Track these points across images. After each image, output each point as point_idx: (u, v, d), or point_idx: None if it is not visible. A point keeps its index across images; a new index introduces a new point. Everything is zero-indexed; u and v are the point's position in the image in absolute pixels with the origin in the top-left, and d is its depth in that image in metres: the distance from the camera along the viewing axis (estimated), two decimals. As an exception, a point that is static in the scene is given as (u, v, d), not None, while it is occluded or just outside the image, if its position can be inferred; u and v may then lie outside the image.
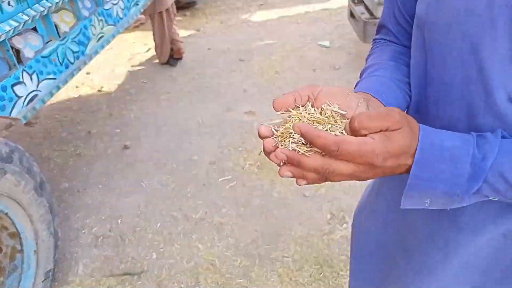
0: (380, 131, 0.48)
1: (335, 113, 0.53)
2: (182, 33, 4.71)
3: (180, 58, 4.03)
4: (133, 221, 2.31)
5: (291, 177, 0.52)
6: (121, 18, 2.47)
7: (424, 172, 0.50)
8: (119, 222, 2.32)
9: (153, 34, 3.75)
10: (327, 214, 2.19)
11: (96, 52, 2.20)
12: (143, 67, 4.09)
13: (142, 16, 4.87)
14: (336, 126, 0.52)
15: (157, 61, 4.07)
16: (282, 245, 2.07)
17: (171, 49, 3.91)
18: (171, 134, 3.01)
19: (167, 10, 3.56)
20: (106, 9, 2.29)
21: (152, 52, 4.17)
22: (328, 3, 5.08)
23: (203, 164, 2.66)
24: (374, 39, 0.80)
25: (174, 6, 3.76)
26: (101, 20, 2.24)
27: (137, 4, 2.73)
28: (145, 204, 2.41)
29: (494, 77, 0.53)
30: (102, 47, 2.27)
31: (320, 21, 4.62)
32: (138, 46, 4.55)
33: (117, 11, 2.42)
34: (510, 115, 0.53)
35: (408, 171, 0.51)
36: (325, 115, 0.53)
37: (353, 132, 0.49)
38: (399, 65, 0.71)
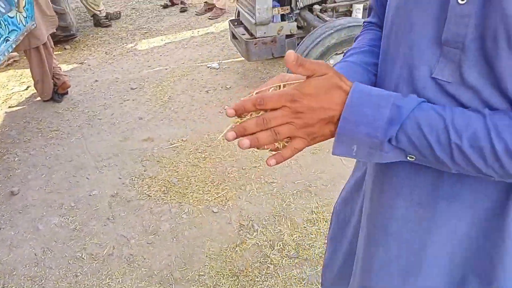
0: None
1: None
2: (64, 67, 4.48)
3: (66, 93, 3.82)
4: (31, 272, 2.11)
5: (249, 143, 0.61)
6: (-10, 56, 2.29)
7: (351, 115, 0.58)
8: (14, 275, 2.10)
9: (31, 71, 3.51)
10: (236, 226, 2.26)
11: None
12: (23, 107, 3.78)
13: (15, 53, 4.53)
14: None
15: (39, 98, 3.80)
16: (196, 265, 2.08)
17: (54, 84, 3.69)
18: (65, 172, 2.83)
19: (44, 44, 3.36)
20: (-28, 47, 2.11)
21: (32, 90, 3.89)
22: (211, 27, 5.28)
23: (105, 197, 2.55)
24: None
25: (51, 40, 3.58)
26: (-33, 58, 2.05)
27: (7, 40, 2.55)
28: (43, 250, 2.23)
29: (420, 55, 0.61)
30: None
31: (206, 44, 4.77)
32: (14, 85, 4.19)
33: (-15, 48, 2.24)
34: (429, 88, 0.61)
35: (337, 122, 0.60)
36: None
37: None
38: (373, 49, 0.79)
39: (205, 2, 5.75)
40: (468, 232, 0.67)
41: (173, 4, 6.09)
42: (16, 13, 2.70)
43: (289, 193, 2.46)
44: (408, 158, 0.61)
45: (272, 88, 0.64)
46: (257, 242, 2.16)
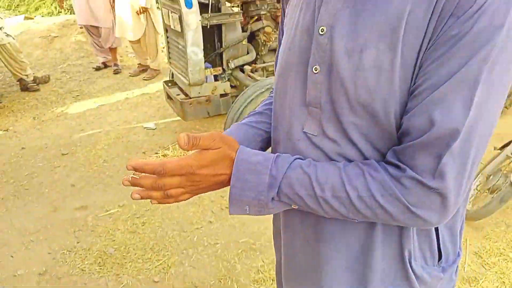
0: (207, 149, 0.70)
1: None
2: (-14, 135, 4.19)
3: (-13, 164, 3.55)
4: None
5: (140, 197, 0.71)
6: None
7: (237, 182, 0.70)
8: None
9: None
10: (180, 294, 2.15)
11: None
12: None
13: None
14: None
15: (-44, 171, 3.48)
16: None
17: (-26, 155, 3.41)
18: (-15, 252, 2.55)
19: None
20: None
21: None
22: (146, 88, 5.29)
23: (32, 276, 2.32)
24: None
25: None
26: None
27: None
28: None
29: (294, 114, 0.75)
30: None
31: (141, 105, 4.75)
32: None
33: None
34: (302, 141, 0.74)
35: (229, 182, 0.71)
36: None
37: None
38: (266, 111, 0.95)
39: (139, 64, 5.79)
40: (347, 265, 0.79)
41: (106, 66, 6.05)
42: None
43: (233, 253, 2.41)
44: (292, 206, 0.73)
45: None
46: (203, 309, 2.06)
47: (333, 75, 0.66)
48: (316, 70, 0.69)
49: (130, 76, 5.74)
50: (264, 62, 3.53)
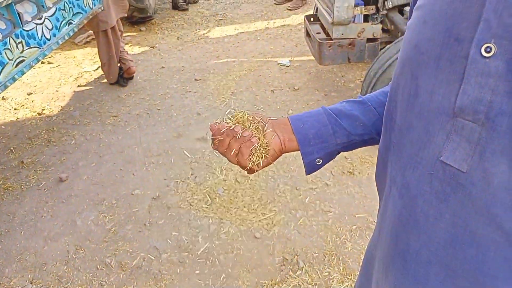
0: None
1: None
2: (136, 50, 4.46)
3: (131, 78, 3.76)
4: (60, 270, 2.01)
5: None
6: (48, 39, 2.19)
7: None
8: (44, 271, 2.02)
9: (99, 53, 3.47)
10: (279, 259, 1.97)
11: (14, 79, 1.91)
12: (90, 87, 3.79)
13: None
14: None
15: (106, 80, 3.78)
16: (228, 297, 1.83)
17: (120, 69, 3.63)
18: (114, 164, 2.73)
19: (112, 28, 3.29)
20: (27, 30, 2.01)
21: (101, 71, 3.88)
22: (288, 19, 4.94)
23: (146, 199, 2.40)
24: None
25: (121, 23, 3.50)
26: (20, 42, 1.96)
27: (71, 23, 2.46)
28: (76, 248, 2.13)
29: (428, 129, 0.48)
30: (23, 73, 1.99)
31: (280, 38, 4.46)
32: (87, 63, 4.24)
33: (42, 32, 2.14)
34: (436, 176, 0.47)
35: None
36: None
37: None
38: (373, 103, 0.74)
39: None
40: None
41: None
42: (83, -5, 2.60)
43: (346, 228, 2.11)
44: None
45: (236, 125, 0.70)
46: (300, 283, 1.85)
47: None
48: (489, 52, 0.39)
49: (275, 3, 5.43)
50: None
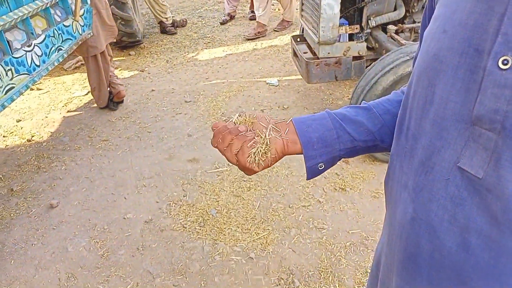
0: None
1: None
2: (125, 74, 4.48)
3: (121, 102, 3.77)
4: (51, 300, 1.97)
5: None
6: (37, 66, 2.20)
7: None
8: (35, 301, 1.97)
9: (88, 78, 3.49)
10: (274, 279, 1.95)
11: (3, 106, 1.91)
12: (80, 112, 3.78)
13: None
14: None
15: (96, 105, 3.79)
16: (224, 320, 1.81)
17: (110, 93, 3.65)
18: (105, 188, 2.71)
19: (102, 53, 3.32)
20: (17, 57, 2.03)
21: (91, 96, 3.89)
22: (276, 40, 5.03)
23: (138, 223, 2.38)
24: None
25: (110, 48, 3.54)
26: (10, 69, 1.96)
27: (60, 49, 2.48)
28: (67, 276, 2.09)
29: (443, 134, 0.49)
30: (12, 99, 1.99)
31: (268, 58, 4.53)
32: (77, 89, 4.25)
33: (32, 59, 2.15)
34: (453, 181, 0.48)
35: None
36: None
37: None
38: (379, 110, 0.73)
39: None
40: None
41: (231, 18, 5.87)
42: (72, 22, 2.63)
43: (340, 244, 2.11)
44: None
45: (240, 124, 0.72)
46: (296, 302, 1.84)
47: None
48: (506, 64, 0.41)
49: (246, 39, 5.52)
50: (414, 22, 2.92)
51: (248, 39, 5.06)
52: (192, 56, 4.81)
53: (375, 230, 2.17)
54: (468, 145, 0.46)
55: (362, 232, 2.16)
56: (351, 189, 2.48)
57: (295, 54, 3.22)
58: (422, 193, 0.52)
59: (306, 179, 0.75)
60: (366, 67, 2.81)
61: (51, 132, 3.47)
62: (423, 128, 0.52)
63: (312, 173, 0.72)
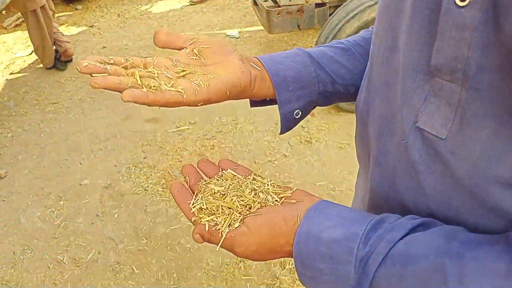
0: None
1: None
2: (73, 30, 4.14)
3: (70, 60, 3.49)
4: (6, 274, 1.85)
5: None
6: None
7: (306, 270, 0.44)
8: (-11, 277, 1.85)
9: (30, 36, 3.17)
10: (242, 236, 1.91)
11: None
12: (25, 74, 3.48)
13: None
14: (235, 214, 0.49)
15: (41, 65, 3.48)
16: (193, 282, 1.76)
17: (56, 51, 3.35)
18: (58, 154, 2.53)
19: (42, 7, 3.00)
20: None
21: (36, 56, 3.57)
22: (235, -11, 4.77)
23: (96, 189, 2.24)
24: None
25: (51, 2, 3.21)
26: None
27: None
28: (23, 248, 1.96)
29: (403, 90, 0.41)
30: None
31: (227, 9, 4.29)
32: (19, 48, 3.89)
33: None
34: (412, 145, 0.41)
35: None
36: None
37: None
38: (356, 49, 0.61)
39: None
40: None
41: None
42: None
43: (307, 197, 2.08)
44: None
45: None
46: (265, 258, 1.81)
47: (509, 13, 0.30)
48: (464, 0, 0.33)
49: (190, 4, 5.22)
50: (376, -36, 2.79)
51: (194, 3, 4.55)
52: (146, 9, 4.49)
53: (341, 181, 2.15)
54: (429, 100, 0.38)
55: (329, 184, 2.14)
56: (316, 141, 2.43)
57: (255, 3, 3.04)
58: (387, 157, 0.44)
59: (280, 133, 0.60)
60: (330, 14, 2.69)
61: (-7, 97, 3.18)
62: (386, 81, 0.44)
63: (288, 123, 0.58)
